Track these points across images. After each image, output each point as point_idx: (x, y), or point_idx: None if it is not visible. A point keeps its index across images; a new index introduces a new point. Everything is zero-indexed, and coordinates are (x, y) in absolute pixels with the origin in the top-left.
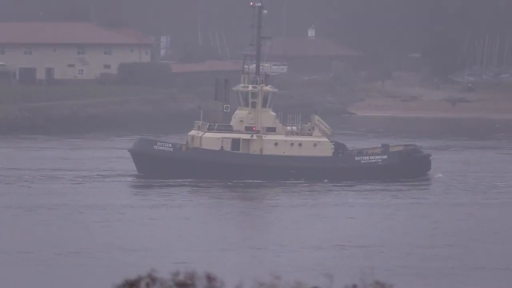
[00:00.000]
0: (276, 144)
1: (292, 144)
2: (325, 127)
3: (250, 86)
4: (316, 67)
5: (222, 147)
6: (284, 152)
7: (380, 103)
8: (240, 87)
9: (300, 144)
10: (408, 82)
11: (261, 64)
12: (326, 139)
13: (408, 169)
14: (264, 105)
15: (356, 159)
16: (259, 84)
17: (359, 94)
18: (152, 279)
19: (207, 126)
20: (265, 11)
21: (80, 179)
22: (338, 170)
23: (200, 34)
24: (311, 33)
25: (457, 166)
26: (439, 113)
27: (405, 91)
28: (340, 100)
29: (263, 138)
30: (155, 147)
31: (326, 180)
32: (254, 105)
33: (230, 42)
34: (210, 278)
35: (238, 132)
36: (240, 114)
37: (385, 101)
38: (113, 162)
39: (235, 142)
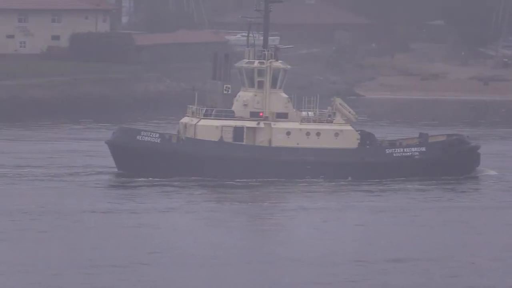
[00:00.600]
0: (288, 133)
1: (308, 134)
2: (349, 112)
3: (256, 61)
4: (315, 38)
5: (221, 137)
6: (298, 144)
7: (395, 82)
8: (244, 63)
9: (318, 134)
10: (429, 56)
11: (248, 34)
12: (350, 127)
13: (452, 164)
14: (273, 85)
15: (387, 152)
16: (267, 60)
17: (368, 71)
18: None
19: (203, 111)
20: None
21: (46, 179)
22: (365, 166)
23: None
24: None
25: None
26: (468, 94)
27: (425, 68)
28: (345, 79)
29: (272, 126)
30: (138, 137)
31: (350, 178)
32: (261, 85)
33: (209, 6)
34: None
35: (242, 118)
36: (244, 96)
37: (400, 80)
38: (68, 156)
39: (238, 131)
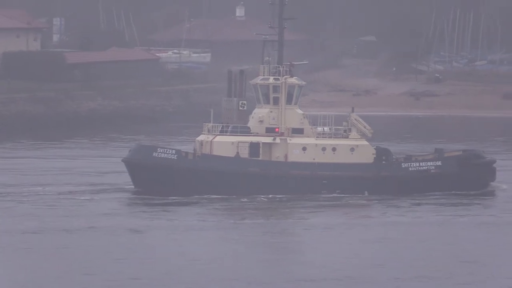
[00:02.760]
0: (304, 148)
1: (324, 149)
2: (365, 127)
3: (271, 78)
4: (246, 54)
5: (237, 153)
6: (314, 159)
7: (326, 98)
8: (259, 79)
9: (334, 149)
10: (360, 72)
11: (178, 51)
12: (366, 143)
13: (468, 178)
14: (289, 101)
15: (403, 167)
16: (282, 76)
17: None
18: None
19: (219, 128)
20: None
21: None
22: (382, 180)
23: (102, 15)
24: (239, 12)
25: None
26: (399, 110)
27: (357, 84)
28: None
29: (288, 141)
30: (154, 154)
31: (366, 193)
32: (276, 101)
33: (140, 24)
34: None
35: (258, 134)
36: (260, 112)
37: (332, 96)
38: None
39: (254, 147)
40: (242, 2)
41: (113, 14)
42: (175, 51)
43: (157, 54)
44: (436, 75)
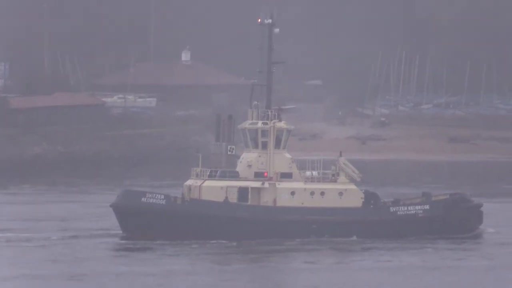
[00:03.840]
0: (293, 193)
1: (312, 193)
2: (353, 171)
3: (260, 122)
4: (192, 99)
5: (226, 197)
6: (303, 203)
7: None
8: (247, 124)
9: (322, 193)
10: (306, 116)
11: (123, 96)
12: (354, 187)
13: (455, 222)
14: (277, 145)
15: (392, 211)
16: (271, 120)
17: None
18: None
19: (208, 172)
20: (277, 30)
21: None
22: (370, 224)
23: (47, 60)
24: (185, 56)
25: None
26: (345, 154)
27: (303, 128)
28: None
29: (277, 186)
30: (143, 199)
31: (355, 237)
32: (265, 145)
33: (85, 69)
34: None
35: (246, 179)
36: (248, 157)
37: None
38: None
39: (243, 192)
40: (188, 47)
41: (58, 58)
42: (120, 96)
43: (102, 99)
44: (382, 119)
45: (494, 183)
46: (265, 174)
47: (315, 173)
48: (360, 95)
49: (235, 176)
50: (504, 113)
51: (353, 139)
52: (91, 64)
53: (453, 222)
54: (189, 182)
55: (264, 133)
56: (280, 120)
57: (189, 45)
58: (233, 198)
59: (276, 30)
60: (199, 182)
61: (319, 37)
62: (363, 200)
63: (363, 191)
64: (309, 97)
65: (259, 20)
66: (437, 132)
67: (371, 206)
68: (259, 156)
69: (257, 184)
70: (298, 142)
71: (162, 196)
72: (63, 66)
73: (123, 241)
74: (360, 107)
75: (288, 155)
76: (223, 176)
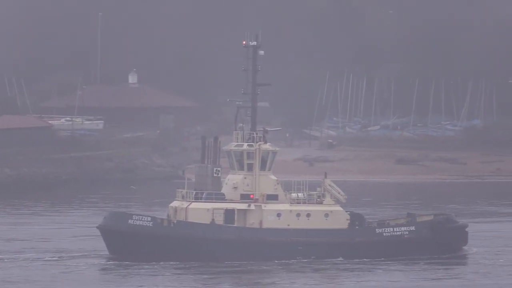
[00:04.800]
0: (279, 215)
1: (298, 215)
2: (338, 193)
3: (245, 144)
4: (140, 121)
5: (213, 220)
6: (289, 225)
7: (222, 164)
8: (232, 146)
9: (308, 215)
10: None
11: (71, 118)
12: (340, 208)
13: (441, 243)
14: (262, 167)
15: (377, 232)
16: (256, 142)
17: (193, 154)
18: None
19: (193, 194)
20: (262, 52)
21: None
22: (356, 246)
23: None
24: (132, 79)
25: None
26: (293, 176)
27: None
28: (171, 163)
29: (263, 208)
30: (130, 221)
31: (341, 258)
32: (250, 167)
33: (33, 91)
34: None
35: (232, 201)
36: (234, 179)
37: (226, 162)
38: None
39: (229, 214)
40: (134, 69)
41: (5, 81)
42: (67, 118)
43: (50, 122)
44: (329, 140)
45: (441, 203)
46: (251, 196)
47: (300, 194)
48: (308, 117)
49: (221, 198)
50: (452, 134)
51: (300, 161)
52: (38, 87)
53: (438, 243)
54: (174, 203)
55: (250, 155)
56: (265, 142)
57: (136, 67)
58: (219, 220)
59: (261, 52)
60: (185, 204)
61: (267, 60)
62: (348, 221)
63: (348, 212)
64: (257, 119)
65: (244, 42)
66: (385, 154)
67: (357, 227)
68: (245, 178)
69: (243, 206)
70: None
71: (149, 218)
72: (10, 88)
73: (107, 263)
74: (308, 129)
75: (273, 177)
76: (209, 198)
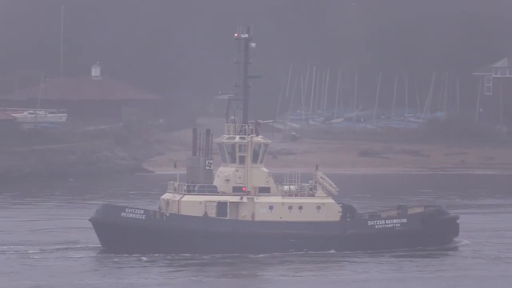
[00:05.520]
0: (271, 207)
1: (290, 208)
2: (330, 185)
3: (237, 137)
4: (103, 114)
5: (205, 212)
6: (281, 217)
7: (183, 157)
8: (224, 138)
9: (300, 207)
10: (217, 131)
11: (34, 111)
12: (332, 201)
13: (432, 235)
14: (254, 160)
15: (369, 224)
16: (248, 134)
17: (156, 146)
18: None
19: (185, 187)
20: (253, 44)
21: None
22: (348, 238)
23: None
24: (95, 72)
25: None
26: None
27: (214, 143)
28: (133, 155)
29: (255, 200)
30: (122, 214)
31: (333, 251)
32: (242, 160)
33: None
34: None
35: (224, 193)
36: (226, 171)
37: (188, 155)
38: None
39: (222, 206)
40: (97, 62)
41: None
42: (30, 111)
43: (13, 114)
44: (293, 133)
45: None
46: (244, 188)
47: (292, 187)
48: (271, 110)
49: (213, 190)
50: (415, 127)
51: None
52: (0, 80)
53: (429, 235)
54: (166, 195)
55: (242, 147)
56: (257, 135)
57: (99, 60)
58: (212, 212)
59: (253, 44)
60: (177, 197)
61: (230, 53)
62: (340, 213)
63: (340, 204)
64: (220, 112)
65: (236, 34)
66: (348, 146)
67: (348, 219)
68: (237, 171)
69: (235, 198)
70: None
71: (142, 211)
72: None
73: (99, 256)
74: (271, 122)
75: (265, 169)
76: (201, 191)
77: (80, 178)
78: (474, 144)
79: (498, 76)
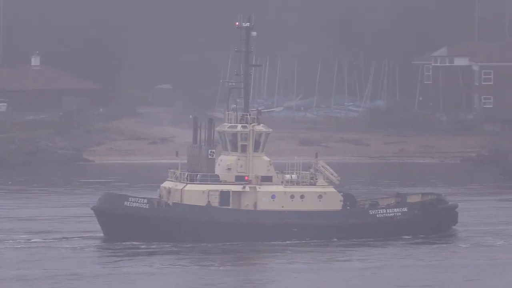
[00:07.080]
0: (273, 196)
1: (292, 197)
2: (332, 174)
3: (239, 125)
4: (43, 103)
5: (208, 202)
6: (283, 207)
7: (123, 146)
8: (226, 127)
9: (302, 196)
10: (157, 120)
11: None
12: (333, 189)
13: (432, 223)
14: (256, 149)
15: (371, 213)
16: (250, 123)
17: (96, 136)
18: None
19: (186, 176)
20: (254, 33)
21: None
22: (350, 227)
23: None
24: (35, 61)
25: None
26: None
27: (154, 132)
28: (73, 145)
29: (258, 189)
30: (126, 203)
31: (335, 239)
32: (244, 149)
33: None
34: None
35: (227, 183)
36: (227, 160)
37: (129, 144)
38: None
39: (224, 196)
40: (37, 52)
41: None
42: None
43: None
44: None
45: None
46: (246, 177)
47: (294, 176)
48: (211, 99)
49: (216, 180)
50: (355, 115)
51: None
52: None
53: (429, 223)
54: (167, 184)
55: (244, 136)
56: (259, 124)
57: (39, 50)
58: (215, 202)
59: (254, 33)
60: (179, 186)
61: (170, 42)
62: (342, 202)
63: (341, 193)
64: (159, 101)
65: (237, 23)
66: (288, 135)
67: (348, 207)
68: (238, 159)
69: (238, 188)
70: (148, 146)
71: (145, 200)
72: None
73: (102, 244)
74: (211, 111)
75: (266, 158)
76: (204, 180)
77: (20, 168)
78: (414, 132)
79: (438, 64)
